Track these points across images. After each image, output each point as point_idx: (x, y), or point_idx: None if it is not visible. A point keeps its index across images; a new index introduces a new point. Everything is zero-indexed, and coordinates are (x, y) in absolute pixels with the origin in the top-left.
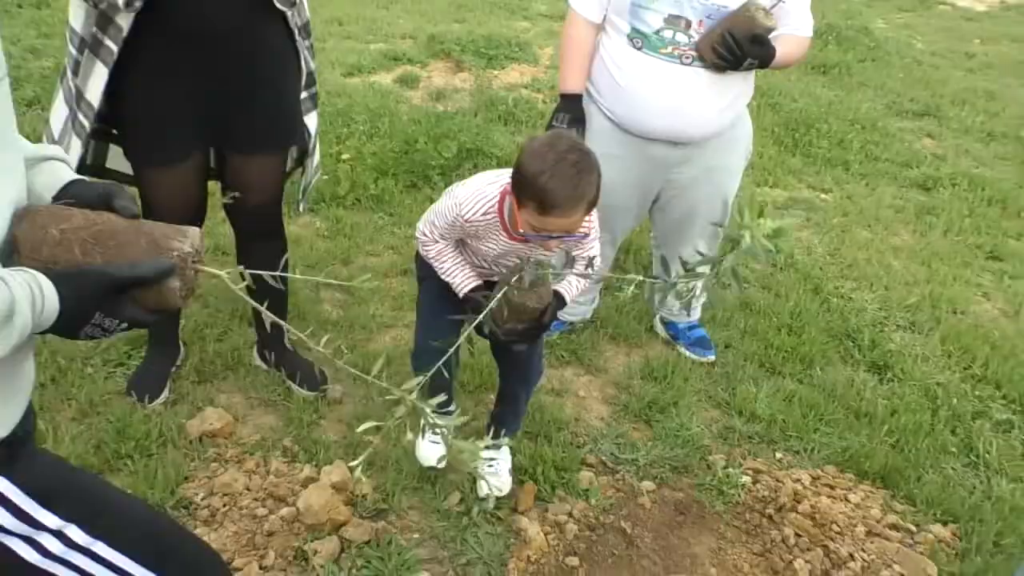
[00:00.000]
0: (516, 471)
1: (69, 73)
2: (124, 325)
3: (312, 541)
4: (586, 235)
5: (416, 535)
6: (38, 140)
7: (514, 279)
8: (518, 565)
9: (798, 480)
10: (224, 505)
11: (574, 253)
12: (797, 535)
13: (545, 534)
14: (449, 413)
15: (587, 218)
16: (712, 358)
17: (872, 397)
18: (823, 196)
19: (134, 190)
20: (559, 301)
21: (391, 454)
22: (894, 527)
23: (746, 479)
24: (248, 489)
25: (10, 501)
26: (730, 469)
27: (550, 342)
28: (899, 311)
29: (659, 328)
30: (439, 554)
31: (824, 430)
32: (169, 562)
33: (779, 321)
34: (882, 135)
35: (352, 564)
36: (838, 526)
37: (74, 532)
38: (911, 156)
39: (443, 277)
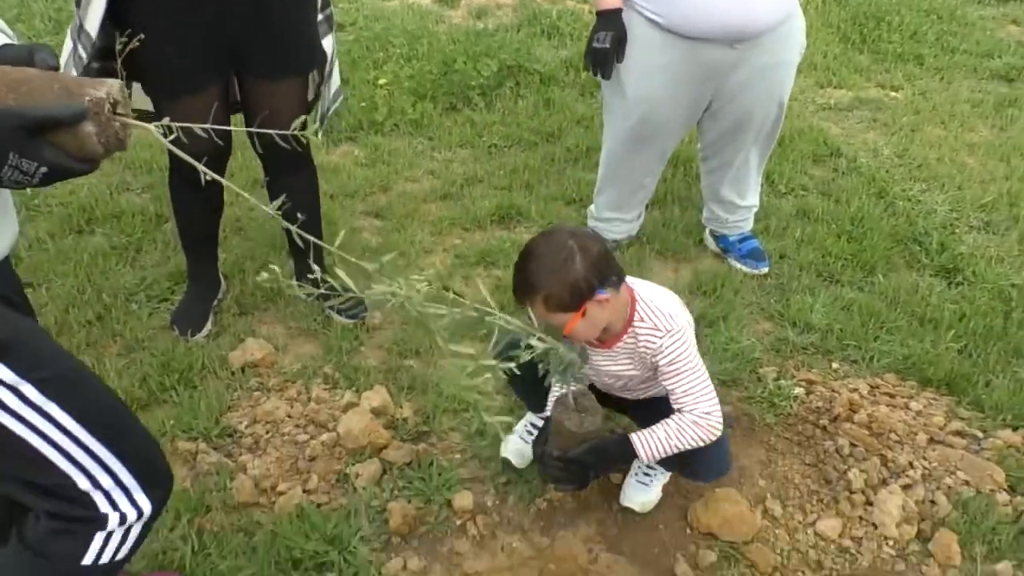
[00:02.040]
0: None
1: (74, 5)
2: (44, 169)
3: (354, 464)
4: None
5: (457, 456)
6: None
7: (562, 400)
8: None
9: (855, 390)
10: (267, 432)
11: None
12: (852, 445)
13: None
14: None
15: (644, 323)
16: (765, 270)
17: (939, 302)
18: (892, 94)
19: None
20: (622, 446)
21: (431, 377)
22: (958, 434)
23: (799, 391)
24: (290, 416)
25: None
26: (782, 381)
27: None
28: (973, 211)
29: (709, 241)
30: (480, 474)
31: (884, 338)
32: (121, 442)
33: (839, 228)
34: (960, 24)
35: (394, 485)
36: (897, 435)
37: (29, 390)
38: (993, 45)
39: None
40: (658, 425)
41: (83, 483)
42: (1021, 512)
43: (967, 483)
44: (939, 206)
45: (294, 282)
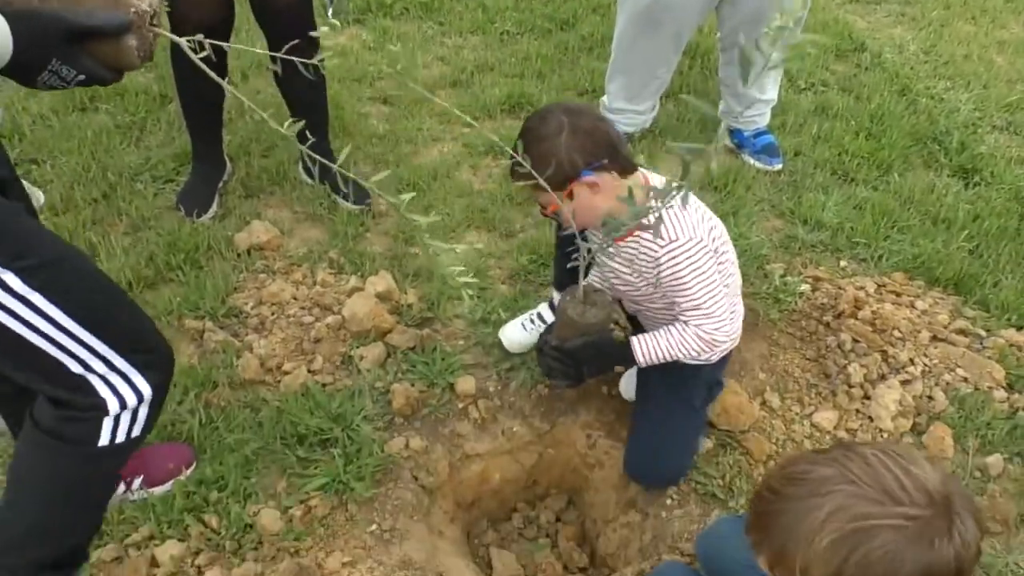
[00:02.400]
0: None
1: None
2: (82, 77)
3: (358, 347)
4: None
5: (461, 342)
6: None
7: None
8: None
9: (861, 288)
10: (272, 314)
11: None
12: (855, 341)
13: None
14: None
15: (661, 243)
16: (779, 166)
17: (954, 202)
18: None
19: None
20: (620, 347)
21: (436, 264)
22: (962, 332)
23: (805, 287)
24: (295, 299)
25: None
26: (788, 278)
27: None
28: (996, 111)
29: (724, 136)
30: (483, 360)
31: (896, 237)
32: (110, 328)
33: (858, 125)
34: None
35: (397, 368)
36: (900, 332)
37: (12, 279)
38: None
39: None
40: (660, 331)
41: (75, 367)
42: (1017, 408)
43: (966, 380)
44: (963, 105)
45: (299, 167)
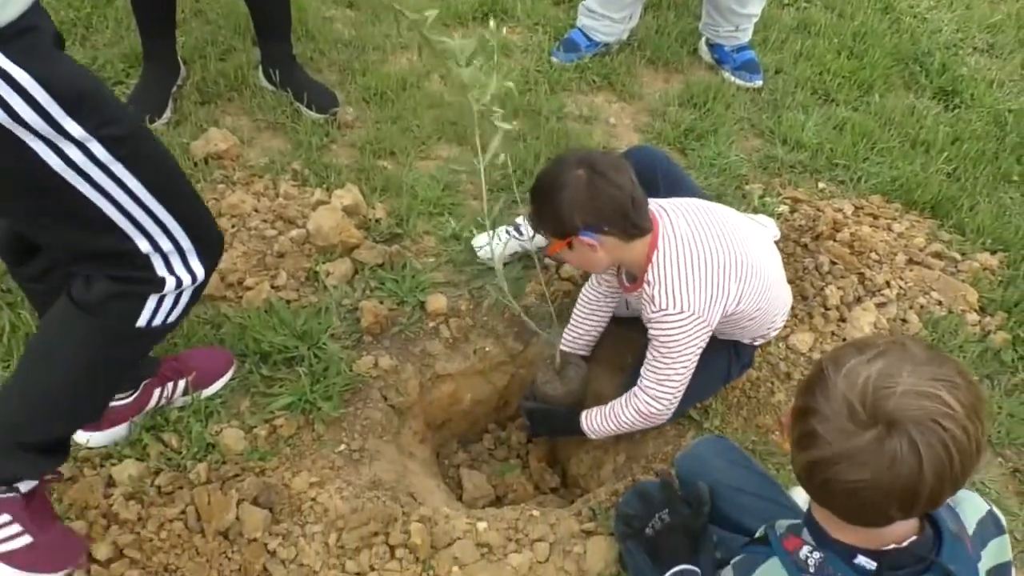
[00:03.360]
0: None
1: None
2: None
3: (324, 263)
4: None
5: (431, 259)
6: None
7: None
8: (535, 288)
9: (839, 209)
10: (233, 226)
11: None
12: (832, 263)
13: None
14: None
15: (656, 297)
16: (759, 83)
17: (933, 124)
18: None
19: None
20: (568, 419)
21: (405, 178)
22: (937, 255)
23: (783, 208)
24: (257, 211)
25: (33, 99)
26: (767, 198)
27: (580, 66)
28: (979, 31)
29: (704, 51)
30: (455, 278)
31: (875, 159)
32: (180, 205)
33: (840, 43)
34: None
35: (366, 285)
36: (877, 254)
37: (97, 148)
38: None
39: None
40: (607, 407)
41: (144, 245)
42: (988, 331)
43: (940, 303)
44: (945, 25)
45: (259, 72)
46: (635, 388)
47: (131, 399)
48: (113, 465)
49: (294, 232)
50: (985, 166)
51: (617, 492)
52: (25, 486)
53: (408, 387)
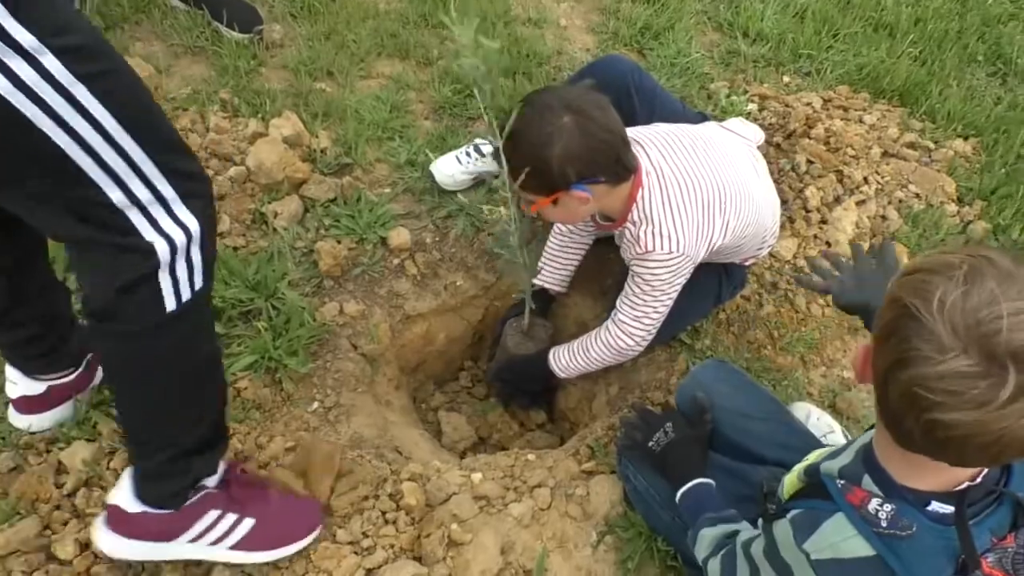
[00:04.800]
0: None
1: None
2: None
3: (270, 203)
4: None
5: (387, 190)
6: None
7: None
8: (506, 215)
9: (808, 104)
10: None
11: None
12: (809, 162)
13: None
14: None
15: (644, 233)
16: None
17: (894, 6)
18: None
19: None
20: (536, 361)
21: (348, 101)
22: (912, 146)
23: (752, 106)
24: None
25: None
26: (734, 97)
27: None
28: None
29: None
30: (416, 208)
31: (838, 47)
32: (158, 144)
33: None
34: None
35: (319, 224)
36: (853, 149)
37: (51, 63)
38: None
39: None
40: (574, 343)
41: (116, 196)
42: (968, 221)
43: (918, 196)
44: None
45: None
46: (607, 322)
47: (73, 376)
48: (61, 450)
49: (232, 170)
50: (951, 45)
51: (614, 426)
52: (213, 480)
53: (378, 332)
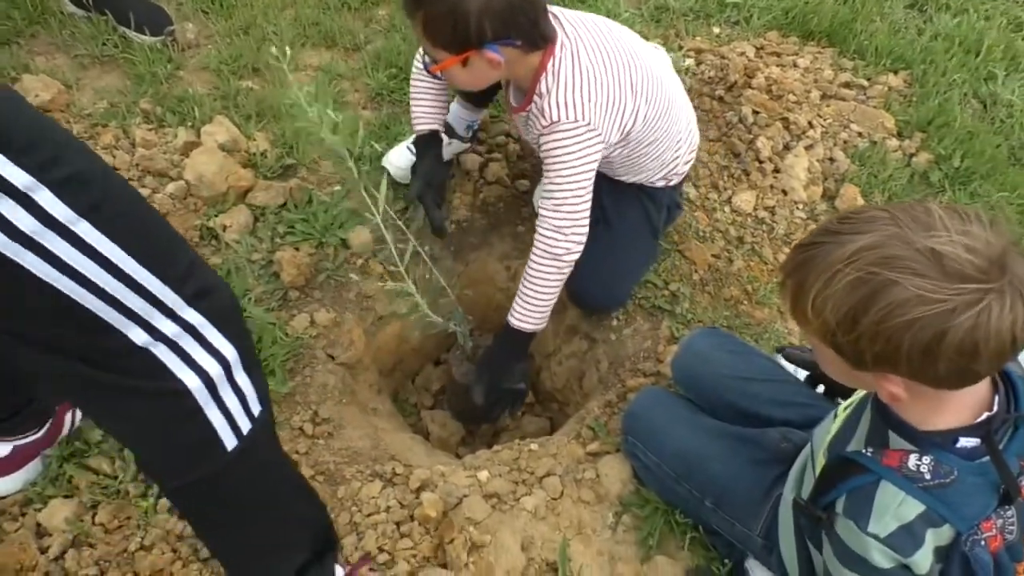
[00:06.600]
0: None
1: None
2: None
3: (217, 216)
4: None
5: (338, 187)
6: None
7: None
8: (463, 200)
9: (743, 53)
10: None
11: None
12: (755, 112)
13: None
14: None
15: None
16: None
17: None
18: None
19: None
20: (501, 337)
21: (280, 98)
22: (847, 85)
23: (689, 62)
24: (116, 168)
25: None
26: (670, 54)
27: None
28: None
29: None
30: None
31: None
32: (171, 265)
33: None
34: None
35: (273, 232)
36: (795, 95)
37: (48, 200)
38: None
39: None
40: (519, 287)
41: (138, 336)
42: (910, 154)
43: (860, 135)
44: None
45: None
46: (535, 237)
47: (40, 432)
48: (38, 511)
49: (171, 187)
50: None
51: (611, 403)
52: None
53: (353, 338)
